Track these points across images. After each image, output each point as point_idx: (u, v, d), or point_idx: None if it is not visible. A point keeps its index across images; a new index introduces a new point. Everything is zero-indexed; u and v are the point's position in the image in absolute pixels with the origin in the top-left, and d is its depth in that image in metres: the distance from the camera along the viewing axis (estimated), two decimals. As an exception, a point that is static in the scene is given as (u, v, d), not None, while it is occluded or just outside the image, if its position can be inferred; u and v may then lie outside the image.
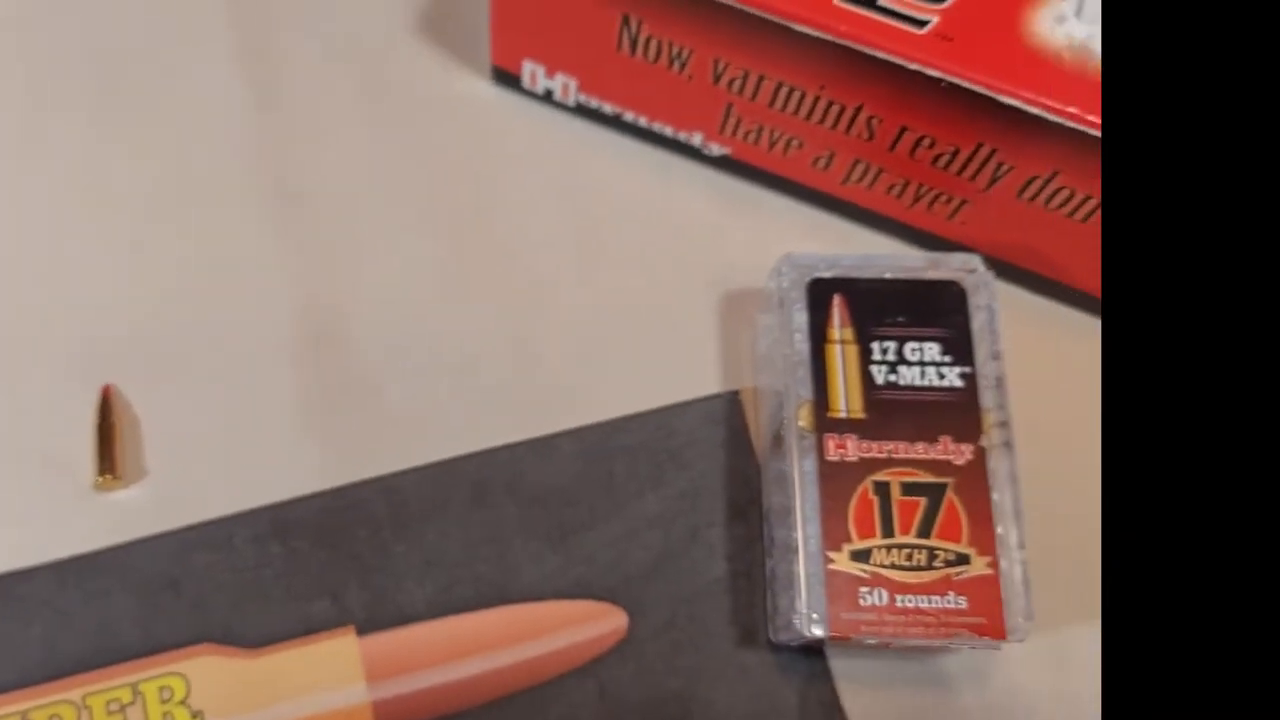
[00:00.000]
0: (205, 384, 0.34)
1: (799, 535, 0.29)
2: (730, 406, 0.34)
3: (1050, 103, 0.28)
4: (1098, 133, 0.28)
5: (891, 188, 0.33)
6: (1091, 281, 0.33)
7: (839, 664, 0.32)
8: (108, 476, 0.32)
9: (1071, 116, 0.28)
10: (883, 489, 0.29)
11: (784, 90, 0.32)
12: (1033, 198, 0.31)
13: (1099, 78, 0.29)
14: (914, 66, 0.29)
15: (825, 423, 0.30)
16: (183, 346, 0.34)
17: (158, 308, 0.34)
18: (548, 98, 0.37)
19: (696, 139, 0.35)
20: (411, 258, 0.35)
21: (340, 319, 0.35)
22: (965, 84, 0.29)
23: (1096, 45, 0.29)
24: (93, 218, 0.35)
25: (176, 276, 0.35)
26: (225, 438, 0.33)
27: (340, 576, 0.32)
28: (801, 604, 0.29)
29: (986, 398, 0.30)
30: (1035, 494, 0.31)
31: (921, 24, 0.29)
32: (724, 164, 0.36)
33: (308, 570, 0.32)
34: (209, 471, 0.33)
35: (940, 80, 0.29)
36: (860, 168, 0.33)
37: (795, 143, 0.33)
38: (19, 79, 0.37)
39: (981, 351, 0.31)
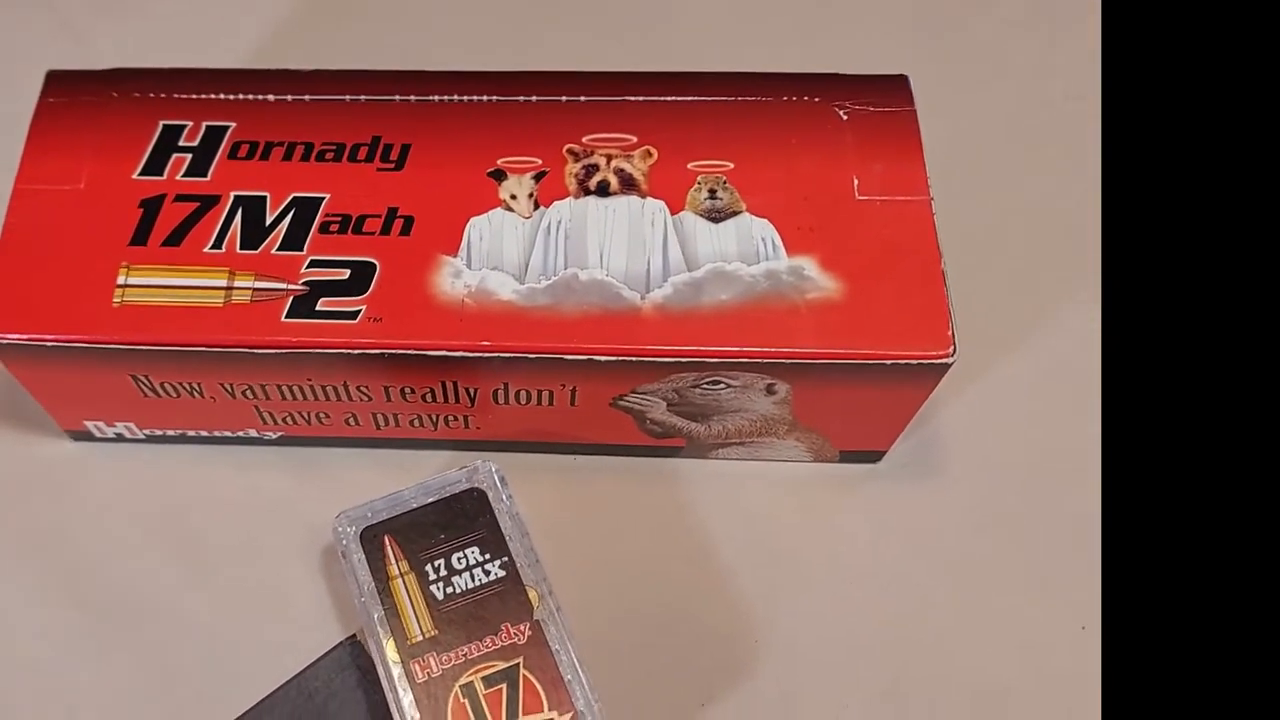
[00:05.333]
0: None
1: (413, 757, 0.34)
2: (354, 649, 0.39)
3: (463, 343, 0.34)
4: (509, 354, 0.35)
5: (413, 421, 0.39)
6: (584, 436, 0.40)
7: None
8: None
9: (483, 348, 0.34)
10: (469, 690, 0.35)
11: (284, 389, 0.37)
12: (505, 401, 0.37)
13: (501, 311, 0.35)
14: (358, 351, 0.35)
15: (408, 650, 0.35)
16: None
17: None
18: (121, 439, 0.41)
19: (252, 433, 0.40)
20: (43, 623, 0.39)
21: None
22: (400, 351, 0.35)
23: (490, 284, 0.35)
24: None
25: None
26: None
27: None
28: (431, 816, 0.33)
29: (527, 576, 0.36)
30: (601, 633, 0.37)
31: (354, 315, 0.35)
32: (285, 440, 0.41)
33: None
34: None
35: (381, 354, 0.35)
36: (380, 417, 0.39)
37: (323, 415, 0.39)
38: None
39: (513, 538, 0.36)
